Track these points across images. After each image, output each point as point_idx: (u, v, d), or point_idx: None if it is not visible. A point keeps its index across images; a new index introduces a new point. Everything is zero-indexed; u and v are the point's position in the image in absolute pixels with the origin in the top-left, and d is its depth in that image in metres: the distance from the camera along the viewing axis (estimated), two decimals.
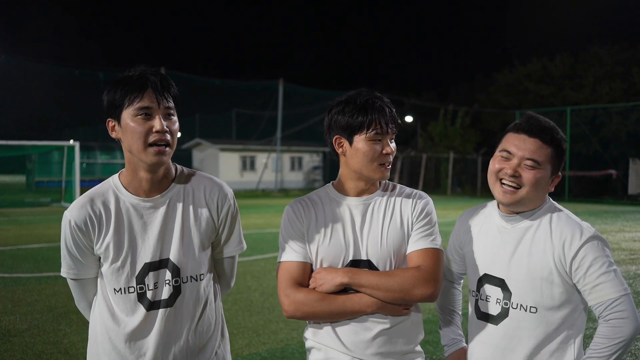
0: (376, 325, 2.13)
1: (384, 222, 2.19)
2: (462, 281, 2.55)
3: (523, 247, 2.12)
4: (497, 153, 2.17)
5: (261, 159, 39.98)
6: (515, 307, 2.11)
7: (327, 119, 2.25)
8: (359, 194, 2.23)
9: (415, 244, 2.17)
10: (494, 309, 2.17)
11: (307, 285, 2.16)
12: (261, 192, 36.14)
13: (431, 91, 52.99)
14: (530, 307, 2.08)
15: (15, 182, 35.55)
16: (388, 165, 2.19)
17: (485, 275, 2.21)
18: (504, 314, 2.14)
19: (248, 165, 40.43)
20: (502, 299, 2.15)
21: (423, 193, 2.28)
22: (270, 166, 39.22)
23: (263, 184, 37.89)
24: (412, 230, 2.19)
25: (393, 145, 2.20)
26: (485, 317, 2.20)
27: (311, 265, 2.20)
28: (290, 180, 40.70)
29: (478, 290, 2.23)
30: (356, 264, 2.15)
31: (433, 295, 2.10)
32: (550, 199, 2.21)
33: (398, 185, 2.32)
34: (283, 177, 40.16)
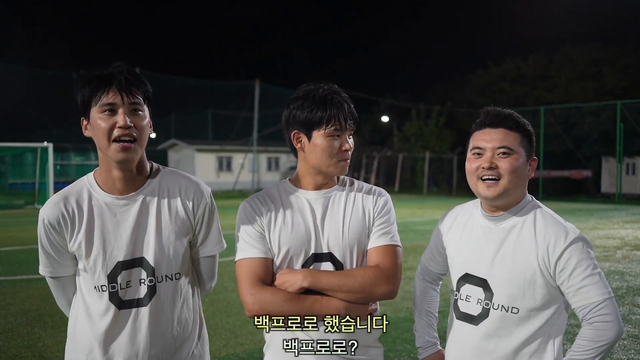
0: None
1: (345, 215, 2.16)
2: (440, 282, 2.52)
3: (507, 247, 2.10)
4: (469, 154, 2.16)
5: (238, 159, 39.81)
6: (496, 307, 2.08)
7: (285, 114, 2.19)
8: (318, 188, 2.19)
9: (376, 241, 2.15)
10: (474, 309, 2.14)
11: (271, 282, 2.10)
12: (238, 192, 35.96)
13: (406, 92, 53.28)
14: (512, 307, 2.06)
15: None
16: (347, 161, 2.17)
17: (467, 274, 2.19)
18: (485, 314, 2.11)
19: (224, 165, 40.29)
20: (483, 299, 2.12)
21: (382, 190, 2.26)
22: (247, 166, 39.07)
23: (240, 184, 37.73)
24: (373, 225, 2.17)
25: (351, 140, 2.17)
26: (464, 317, 2.17)
27: (272, 261, 2.14)
28: (267, 180, 40.56)
29: (458, 289, 2.21)
30: (319, 257, 2.12)
31: (393, 293, 2.10)
32: (533, 197, 2.19)
33: (356, 181, 2.29)
34: (260, 177, 40.04)
